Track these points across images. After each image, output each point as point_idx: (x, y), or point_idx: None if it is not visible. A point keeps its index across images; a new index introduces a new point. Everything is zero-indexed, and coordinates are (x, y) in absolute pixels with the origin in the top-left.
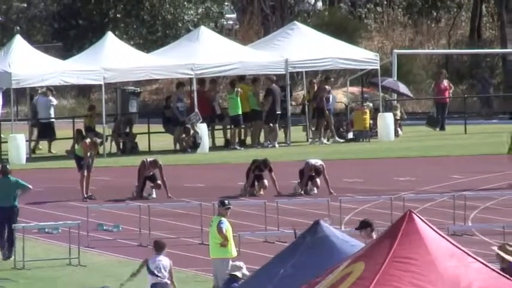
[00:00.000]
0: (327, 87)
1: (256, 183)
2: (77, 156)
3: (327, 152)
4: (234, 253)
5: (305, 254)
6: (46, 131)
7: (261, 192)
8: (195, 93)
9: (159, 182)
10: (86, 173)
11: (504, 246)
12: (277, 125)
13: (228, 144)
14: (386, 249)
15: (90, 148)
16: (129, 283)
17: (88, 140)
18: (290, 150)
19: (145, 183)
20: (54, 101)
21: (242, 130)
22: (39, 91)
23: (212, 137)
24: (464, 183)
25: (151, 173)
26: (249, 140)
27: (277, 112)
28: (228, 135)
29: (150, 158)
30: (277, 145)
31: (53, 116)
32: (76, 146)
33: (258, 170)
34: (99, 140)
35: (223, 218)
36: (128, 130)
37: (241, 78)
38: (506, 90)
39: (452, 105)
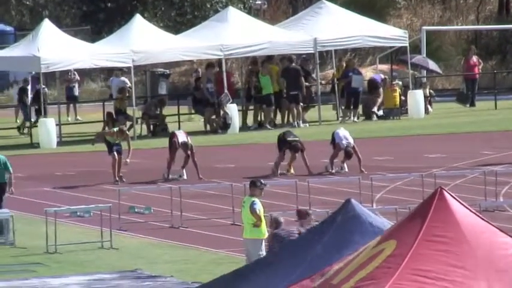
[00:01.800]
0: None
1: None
2: (107, 141)
3: (357, 130)
4: (266, 234)
5: (337, 232)
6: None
7: (292, 171)
8: (224, 75)
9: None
10: (116, 157)
11: None
12: (298, 105)
13: (260, 125)
14: (418, 227)
15: (118, 136)
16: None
17: (116, 129)
18: (320, 129)
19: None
20: (128, 82)
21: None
22: (114, 72)
23: (244, 117)
24: (495, 159)
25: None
26: (279, 120)
27: (292, 92)
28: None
29: (180, 135)
30: (307, 125)
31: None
32: (106, 129)
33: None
34: (125, 127)
35: (255, 199)
36: (158, 112)
37: (269, 58)
38: None
39: (482, 81)
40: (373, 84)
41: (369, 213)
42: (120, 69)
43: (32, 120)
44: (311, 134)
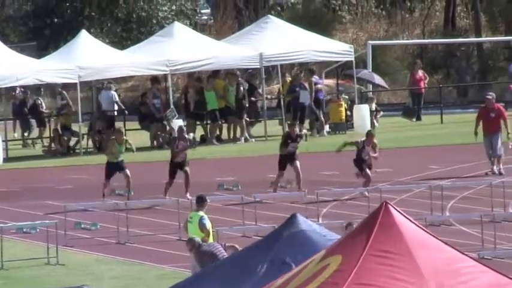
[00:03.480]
0: (315, 77)
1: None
2: (109, 162)
3: (303, 145)
4: None
5: (282, 248)
6: (111, 124)
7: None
8: (170, 90)
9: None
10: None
11: None
12: (243, 120)
13: (205, 140)
14: (364, 242)
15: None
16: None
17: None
18: (267, 145)
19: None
20: (116, 96)
21: (221, 125)
22: (104, 85)
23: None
24: (441, 173)
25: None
26: (225, 135)
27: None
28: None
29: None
30: (253, 140)
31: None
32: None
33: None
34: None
35: (204, 214)
36: (101, 128)
37: (215, 73)
38: (482, 79)
39: (428, 96)
40: (317, 102)
41: (314, 228)
42: (110, 82)
43: None
44: (257, 149)
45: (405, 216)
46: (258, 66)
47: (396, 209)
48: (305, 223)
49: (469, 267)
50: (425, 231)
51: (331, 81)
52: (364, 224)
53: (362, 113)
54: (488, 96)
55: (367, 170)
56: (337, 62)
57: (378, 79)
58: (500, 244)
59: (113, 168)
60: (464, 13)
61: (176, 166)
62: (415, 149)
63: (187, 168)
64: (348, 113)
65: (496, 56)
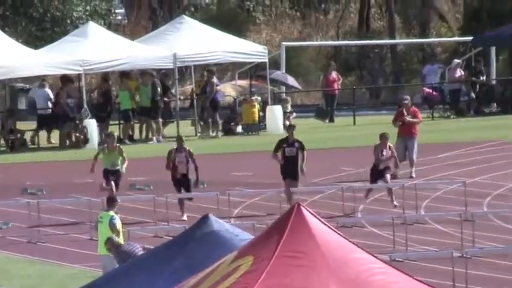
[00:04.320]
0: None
1: None
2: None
3: (216, 145)
4: None
5: (194, 248)
6: (45, 122)
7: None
8: (84, 89)
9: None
10: (113, 187)
11: None
12: (157, 120)
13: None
14: (275, 243)
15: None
16: None
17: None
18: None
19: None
20: (51, 94)
21: (133, 125)
22: (38, 83)
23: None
24: (354, 175)
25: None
26: (137, 135)
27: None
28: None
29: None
30: (162, 139)
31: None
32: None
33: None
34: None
35: (114, 214)
36: (13, 127)
37: (127, 73)
38: (395, 81)
39: (341, 97)
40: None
41: (226, 228)
42: (44, 79)
43: None
44: (168, 149)
45: (317, 218)
46: (172, 67)
47: (308, 210)
48: (217, 223)
49: (380, 269)
50: (337, 232)
51: (244, 82)
52: (276, 225)
53: (275, 114)
54: (405, 101)
55: (387, 176)
56: (250, 62)
57: (291, 80)
58: (412, 246)
59: (109, 173)
60: (379, 15)
61: (179, 183)
62: (328, 150)
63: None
64: (261, 113)
65: (410, 58)
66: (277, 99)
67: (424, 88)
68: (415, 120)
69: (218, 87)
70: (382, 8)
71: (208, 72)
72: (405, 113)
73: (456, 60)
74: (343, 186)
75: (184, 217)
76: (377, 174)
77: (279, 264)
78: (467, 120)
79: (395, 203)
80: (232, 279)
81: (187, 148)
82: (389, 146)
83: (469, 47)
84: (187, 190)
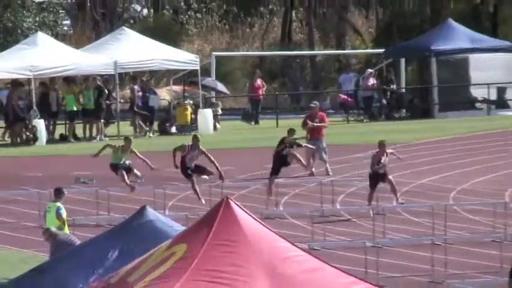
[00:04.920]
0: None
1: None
2: (112, 164)
3: (153, 144)
4: None
5: (132, 237)
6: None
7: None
8: (33, 92)
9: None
10: (124, 173)
11: None
12: (100, 121)
13: (64, 138)
14: (207, 232)
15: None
16: None
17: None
18: (119, 143)
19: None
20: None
21: (76, 125)
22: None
23: (52, 131)
24: None
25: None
26: (81, 134)
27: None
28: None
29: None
30: (107, 139)
31: None
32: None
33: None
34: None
35: (60, 205)
36: None
37: (70, 79)
38: (314, 88)
39: (266, 102)
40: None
41: (161, 219)
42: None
43: None
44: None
45: (244, 210)
46: (113, 73)
47: (236, 203)
48: (153, 214)
49: (300, 256)
50: (262, 223)
51: (178, 88)
52: (207, 216)
53: (206, 116)
54: (312, 105)
55: (390, 177)
56: (184, 70)
57: (220, 86)
58: (329, 236)
59: (116, 169)
60: (300, 29)
61: (193, 171)
62: (253, 149)
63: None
64: (193, 116)
65: (328, 67)
66: (208, 103)
67: (340, 95)
68: (320, 124)
69: (139, 93)
70: (302, 22)
71: (130, 79)
72: (312, 118)
73: (369, 70)
74: (266, 182)
75: (203, 201)
76: (377, 178)
77: (210, 252)
78: (378, 124)
79: (400, 200)
80: (168, 265)
81: (202, 148)
82: (387, 153)
83: (380, 58)
84: (203, 173)
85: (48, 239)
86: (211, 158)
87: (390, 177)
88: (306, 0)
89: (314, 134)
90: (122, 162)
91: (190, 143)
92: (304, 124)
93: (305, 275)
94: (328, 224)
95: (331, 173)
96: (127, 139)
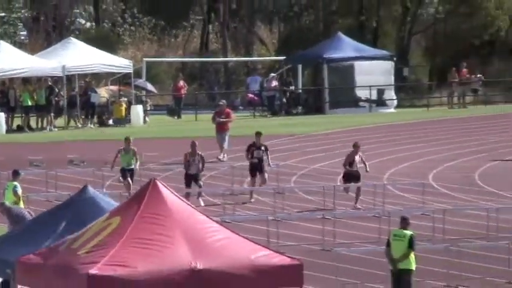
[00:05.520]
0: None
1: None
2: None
3: (93, 134)
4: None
5: (76, 211)
6: None
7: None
8: None
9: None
10: (130, 182)
11: None
12: (50, 114)
13: (21, 128)
14: (137, 207)
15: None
16: None
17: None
18: (67, 133)
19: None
20: None
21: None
22: None
23: (11, 122)
24: None
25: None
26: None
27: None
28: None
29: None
30: (56, 129)
31: None
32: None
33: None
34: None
35: (17, 183)
36: None
37: (26, 79)
38: (227, 88)
39: (187, 99)
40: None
41: (100, 196)
42: None
43: None
44: (59, 136)
45: (168, 189)
46: (61, 75)
47: (162, 183)
48: (93, 192)
49: (214, 227)
50: (183, 200)
51: (115, 87)
52: (138, 194)
53: (137, 111)
54: (220, 103)
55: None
56: (119, 73)
57: (150, 86)
58: (238, 211)
59: (125, 173)
60: (215, 39)
61: (191, 178)
62: (176, 139)
63: (201, 183)
64: (127, 111)
65: (238, 71)
66: (139, 100)
67: (248, 94)
68: (225, 120)
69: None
70: (217, 34)
71: (85, 82)
72: (219, 115)
73: (272, 74)
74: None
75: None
76: (351, 177)
77: (140, 223)
78: (279, 119)
79: (358, 205)
80: (105, 233)
81: (200, 153)
82: (360, 154)
83: (282, 64)
84: (197, 182)
85: (3, 211)
86: (203, 165)
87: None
88: (221, 16)
89: (221, 128)
90: (128, 166)
91: (190, 151)
92: (213, 119)
93: (218, 242)
94: (237, 201)
95: (225, 160)
96: (126, 139)
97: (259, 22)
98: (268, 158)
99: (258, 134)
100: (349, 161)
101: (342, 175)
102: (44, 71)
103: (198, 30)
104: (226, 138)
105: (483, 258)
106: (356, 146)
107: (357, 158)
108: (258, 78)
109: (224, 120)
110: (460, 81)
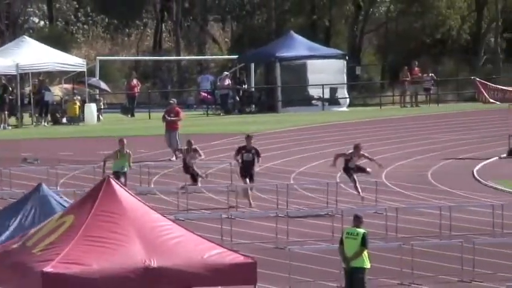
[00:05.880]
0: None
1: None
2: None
3: (47, 132)
4: None
5: (30, 209)
6: None
7: None
8: None
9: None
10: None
11: None
12: (3, 112)
13: None
14: (91, 205)
15: (119, 155)
16: None
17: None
18: (19, 131)
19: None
20: None
21: None
22: None
23: None
24: (150, 156)
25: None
26: None
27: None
28: None
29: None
30: (10, 127)
31: None
32: None
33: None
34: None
35: None
36: None
37: None
38: (180, 87)
39: (140, 98)
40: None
41: (54, 194)
42: None
43: None
44: (13, 134)
45: (122, 187)
46: (15, 73)
47: (115, 181)
48: (47, 190)
49: (168, 225)
50: (137, 198)
51: (69, 86)
52: (91, 192)
53: (91, 109)
54: (170, 101)
55: (354, 176)
56: (73, 71)
57: (103, 85)
58: (191, 209)
59: (117, 177)
60: (168, 38)
61: (191, 177)
62: (130, 137)
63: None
64: (81, 110)
65: (191, 70)
66: (93, 99)
67: (202, 92)
68: (174, 118)
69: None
70: (171, 33)
71: (38, 81)
72: (169, 113)
73: (225, 73)
74: (140, 164)
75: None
76: (351, 170)
77: (93, 221)
78: (232, 117)
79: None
80: (59, 232)
81: (196, 148)
82: (360, 154)
83: (234, 63)
84: (195, 181)
85: None
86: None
87: (355, 176)
88: (174, 15)
89: (170, 127)
90: (121, 170)
91: (185, 147)
92: (163, 118)
93: (172, 240)
94: (191, 199)
95: (175, 160)
96: (120, 141)
97: (212, 21)
98: (258, 161)
99: (249, 137)
100: (346, 159)
101: (342, 168)
102: None
103: (151, 29)
104: (176, 137)
105: (436, 256)
106: (356, 148)
107: (355, 158)
108: (209, 77)
109: (173, 119)
110: (412, 80)
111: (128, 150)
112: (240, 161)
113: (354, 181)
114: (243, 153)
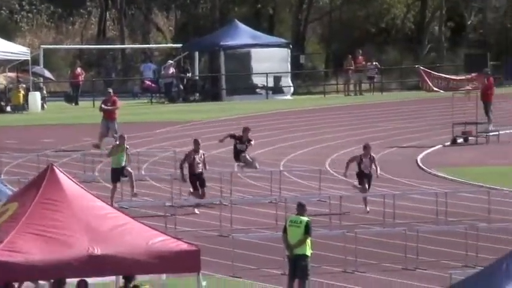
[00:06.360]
0: None
1: None
2: (114, 168)
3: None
4: None
5: None
6: None
7: None
8: None
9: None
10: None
11: None
12: None
13: None
14: (35, 193)
15: (118, 148)
16: None
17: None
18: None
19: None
20: None
21: None
22: None
23: None
24: (89, 144)
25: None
26: None
27: None
28: None
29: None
30: None
31: None
32: None
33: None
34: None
35: None
36: None
37: None
38: (124, 75)
39: (84, 86)
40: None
41: None
42: None
43: None
44: None
45: (66, 175)
46: None
47: (59, 170)
48: None
49: (112, 213)
50: (81, 186)
51: (13, 74)
52: (35, 180)
53: (35, 98)
54: (108, 90)
55: (366, 185)
56: (17, 60)
57: (47, 73)
58: (180, 196)
59: (117, 173)
60: (113, 26)
61: (196, 179)
62: (74, 125)
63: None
64: (25, 98)
65: (135, 58)
66: (37, 87)
67: (145, 81)
68: (111, 107)
69: None
70: (115, 21)
71: None
72: (105, 103)
73: (170, 61)
74: (85, 151)
75: (196, 211)
76: (364, 175)
77: (37, 209)
78: (177, 106)
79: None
80: (2, 219)
81: (202, 152)
82: (370, 155)
83: (179, 52)
84: (203, 185)
85: None
86: (205, 165)
87: (367, 186)
88: (118, 3)
89: (107, 116)
90: (119, 166)
91: (193, 149)
92: (100, 107)
93: (116, 228)
94: (180, 185)
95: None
96: (121, 137)
97: (156, 9)
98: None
99: (246, 129)
100: (357, 162)
101: (356, 173)
102: None
103: (95, 18)
104: (115, 126)
105: (380, 244)
106: (366, 148)
107: (365, 160)
108: (151, 66)
109: (110, 107)
110: (356, 69)
111: (126, 145)
112: (225, 140)
113: (365, 190)
114: (237, 143)
